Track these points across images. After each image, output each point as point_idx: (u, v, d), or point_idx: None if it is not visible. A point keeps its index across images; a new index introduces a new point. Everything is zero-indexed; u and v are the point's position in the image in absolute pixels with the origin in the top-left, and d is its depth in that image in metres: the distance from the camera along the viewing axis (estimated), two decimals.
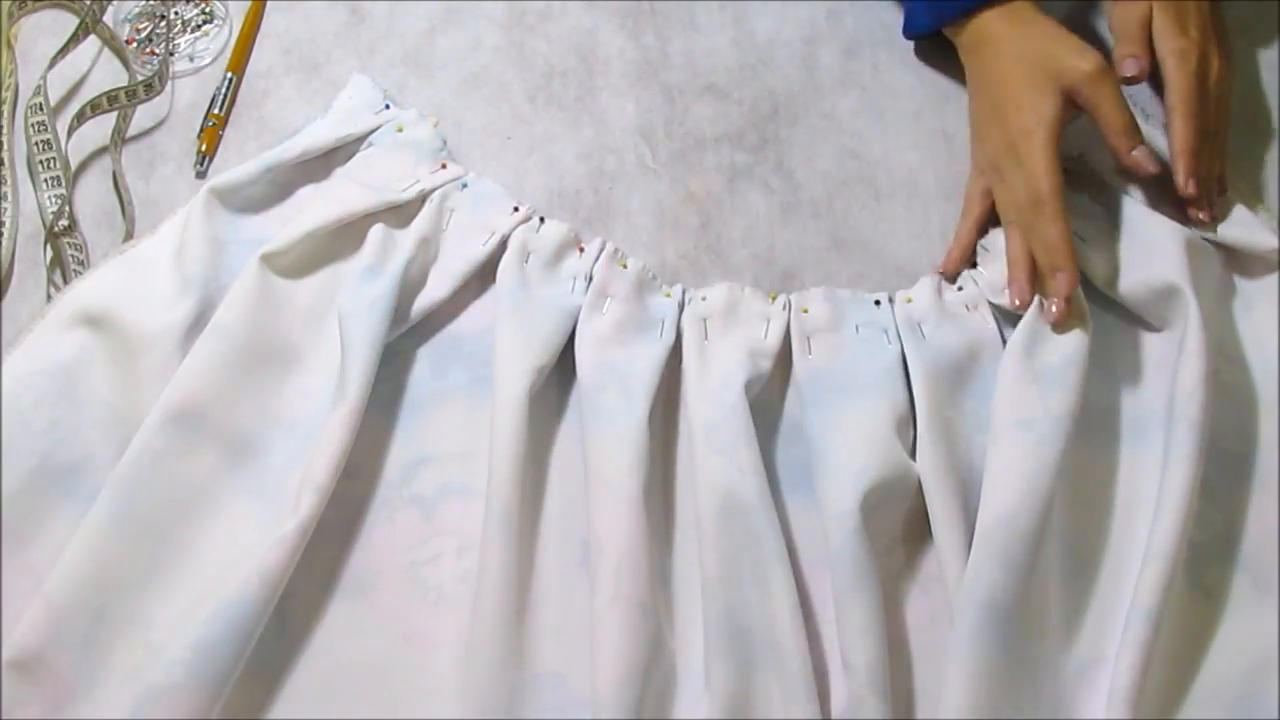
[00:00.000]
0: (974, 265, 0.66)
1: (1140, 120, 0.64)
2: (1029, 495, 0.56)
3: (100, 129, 0.70)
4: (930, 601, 0.58)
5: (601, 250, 0.66)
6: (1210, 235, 0.65)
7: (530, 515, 0.59)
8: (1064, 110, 0.62)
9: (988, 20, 0.66)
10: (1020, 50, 0.64)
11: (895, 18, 0.76)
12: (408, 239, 0.65)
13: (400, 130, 0.70)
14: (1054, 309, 0.60)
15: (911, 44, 0.75)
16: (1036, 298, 0.62)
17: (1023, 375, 0.59)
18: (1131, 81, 0.64)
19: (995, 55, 0.65)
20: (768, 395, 0.63)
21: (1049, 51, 0.63)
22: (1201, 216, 0.64)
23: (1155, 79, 0.66)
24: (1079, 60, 0.62)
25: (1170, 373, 0.60)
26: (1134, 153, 0.62)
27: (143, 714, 0.52)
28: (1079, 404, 0.59)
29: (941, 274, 0.65)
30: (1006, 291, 0.63)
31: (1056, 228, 0.60)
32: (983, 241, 0.67)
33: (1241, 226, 0.66)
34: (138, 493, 0.56)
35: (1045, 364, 0.60)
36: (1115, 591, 0.57)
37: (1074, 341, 0.60)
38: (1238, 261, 0.67)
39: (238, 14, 0.76)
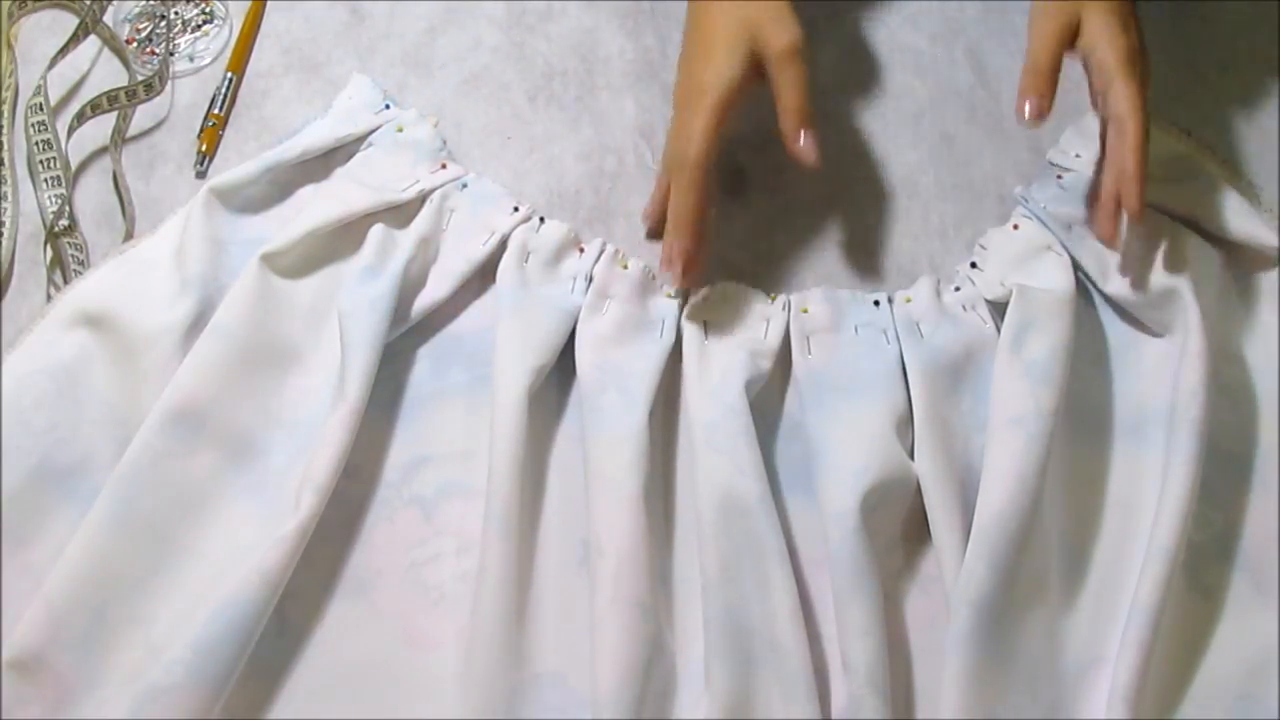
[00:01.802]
0: (973, 265, 0.66)
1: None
2: (1021, 494, 0.56)
3: (100, 129, 0.70)
4: (930, 601, 0.58)
5: (602, 251, 0.66)
6: (1212, 231, 0.65)
7: (530, 515, 0.59)
8: (748, 76, 0.61)
9: None
10: (733, 4, 0.61)
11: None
12: (408, 239, 0.65)
13: (400, 130, 0.70)
14: (665, 270, 0.61)
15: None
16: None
17: (1012, 370, 0.60)
18: (1031, 126, 0.60)
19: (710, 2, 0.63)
20: (768, 395, 0.63)
21: (756, 14, 0.61)
22: (1116, 245, 0.62)
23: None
24: (777, 32, 0.60)
25: (1171, 374, 0.60)
26: (801, 140, 0.60)
27: (143, 714, 0.51)
28: (1063, 398, 0.59)
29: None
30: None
31: (688, 197, 0.60)
32: (981, 240, 0.67)
33: (1243, 222, 0.66)
34: (138, 493, 0.56)
35: (1032, 358, 0.60)
36: (1115, 592, 0.57)
37: (1058, 335, 0.60)
38: (1237, 258, 0.67)
39: (238, 14, 0.76)
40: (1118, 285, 0.64)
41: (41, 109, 0.70)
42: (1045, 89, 0.60)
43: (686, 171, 0.60)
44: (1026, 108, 0.60)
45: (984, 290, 0.65)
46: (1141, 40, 0.62)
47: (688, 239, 0.61)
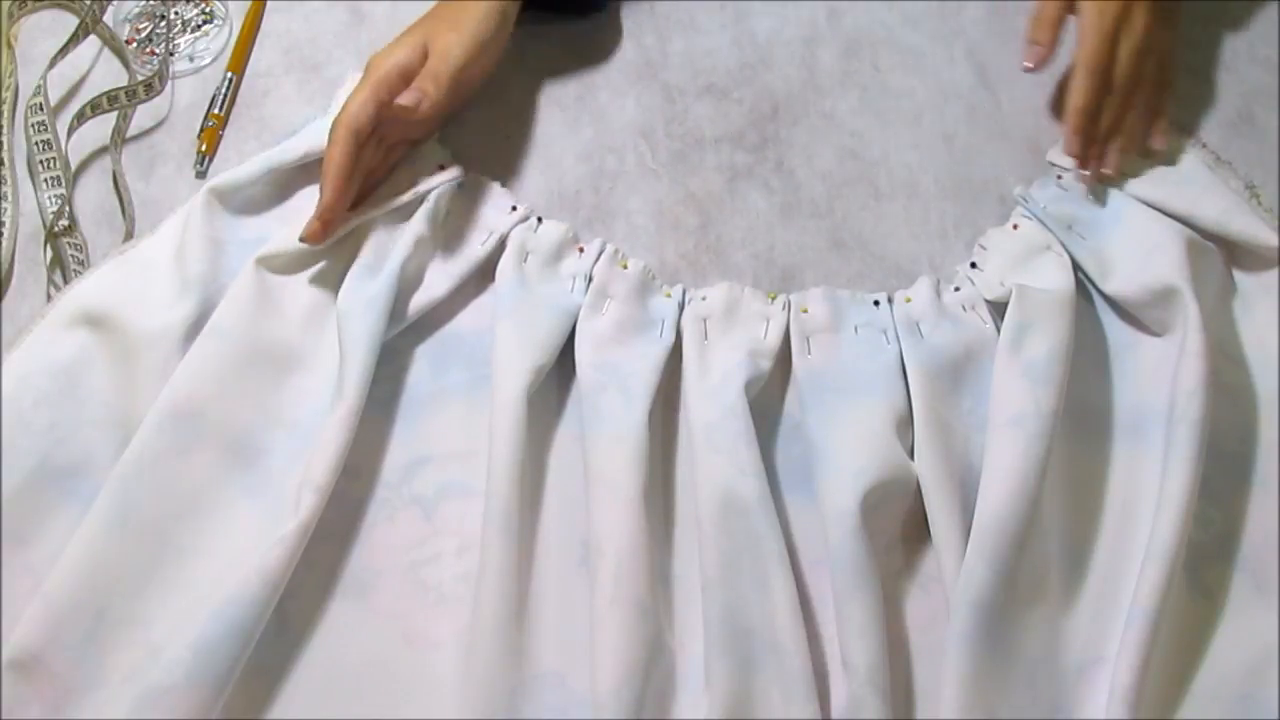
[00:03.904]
0: (973, 266, 0.66)
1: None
2: (1020, 494, 0.56)
3: (100, 129, 0.70)
4: (930, 601, 0.58)
5: (602, 251, 0.66)
6: (1212, 231, 0.65)
7: (530, 515, 0.59)
8: (417, 57, 0.65)
9: None
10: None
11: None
12: (405, 238, 0.65)
13: None
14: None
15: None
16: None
17: (1012, 370, 0.60)
18: (1030, 69, 0.66)
19: None
20: (768, 395, 0.63)
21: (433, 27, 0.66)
22: (1088, 172, 0.67)
23: None
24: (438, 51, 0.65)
25: (1170, 373, 0.60)
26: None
27: (143, 714, 0.52)
28: (1063, 398, 0.59)
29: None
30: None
31: (332, 151, 0.62)
32: (981, 240, 0.67)
33: (1243, 222, 0.65)
34: (138, 493, 0.56)
35: (1031, 358, 0.60)
36: (1115, 591, 0.57)
37: (1058, 335, 0.60)
38: (1237, 258, 0.67)
39: (238, 14, 0.76)
40: (1117, 285, 0.64)
41: (41, 109, 0.70)
42: (1046, 38, 0.66)
43: (337, 129, 0.63)
44: (1030, 52, 0.66)
45: (984, 290, 0.65)
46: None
47: (328, 193, 0.62)
